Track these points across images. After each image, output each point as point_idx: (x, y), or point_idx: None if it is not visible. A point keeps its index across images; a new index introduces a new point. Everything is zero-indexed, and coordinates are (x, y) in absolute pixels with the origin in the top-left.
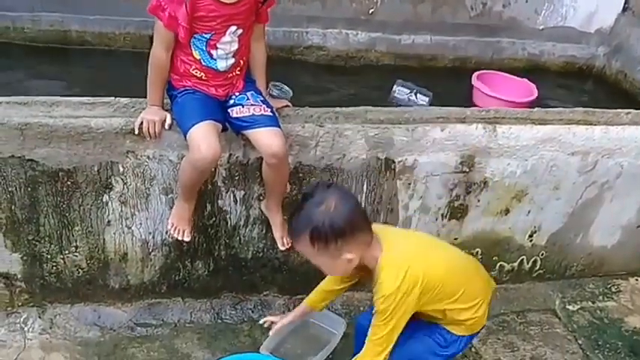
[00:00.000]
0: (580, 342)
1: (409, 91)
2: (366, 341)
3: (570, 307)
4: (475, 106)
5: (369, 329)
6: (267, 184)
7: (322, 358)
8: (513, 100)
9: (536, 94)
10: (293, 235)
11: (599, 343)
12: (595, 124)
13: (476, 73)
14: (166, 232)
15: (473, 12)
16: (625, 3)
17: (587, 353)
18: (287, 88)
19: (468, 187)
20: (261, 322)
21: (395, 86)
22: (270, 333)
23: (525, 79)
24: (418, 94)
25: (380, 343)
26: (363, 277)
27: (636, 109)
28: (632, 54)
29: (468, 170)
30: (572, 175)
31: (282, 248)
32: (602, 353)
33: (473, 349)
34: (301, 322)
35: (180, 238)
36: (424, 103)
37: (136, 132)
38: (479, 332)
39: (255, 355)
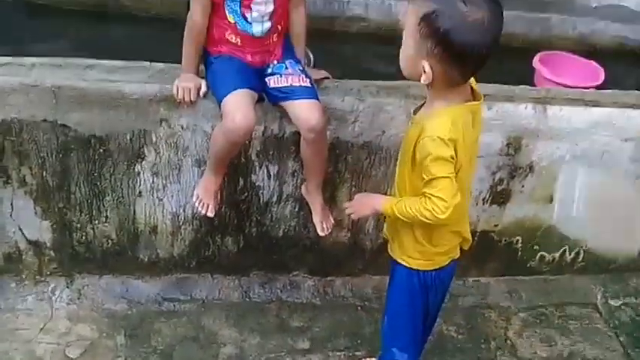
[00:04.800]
0: (621, 339)
1: None
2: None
3: (612, 303)
4: None
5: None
6: (306, 163)
7: None
8: (576, 85)
9: (602, 79)
10: None
11: None
12: None
13: (538, 55)
14: None
15: None
16: None
17: (629, 351)
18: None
19: (512, 172)
20: None
21: None
22: None
23: (592, 62)
24: None
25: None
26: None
27: None
28: None
29: (513, 153)
30: (623, 162)
31: (321, 234)
32: None
33: (509, 342)
34: None
35: (203, 213)
36: None
37: (177, 100)
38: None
39: None
